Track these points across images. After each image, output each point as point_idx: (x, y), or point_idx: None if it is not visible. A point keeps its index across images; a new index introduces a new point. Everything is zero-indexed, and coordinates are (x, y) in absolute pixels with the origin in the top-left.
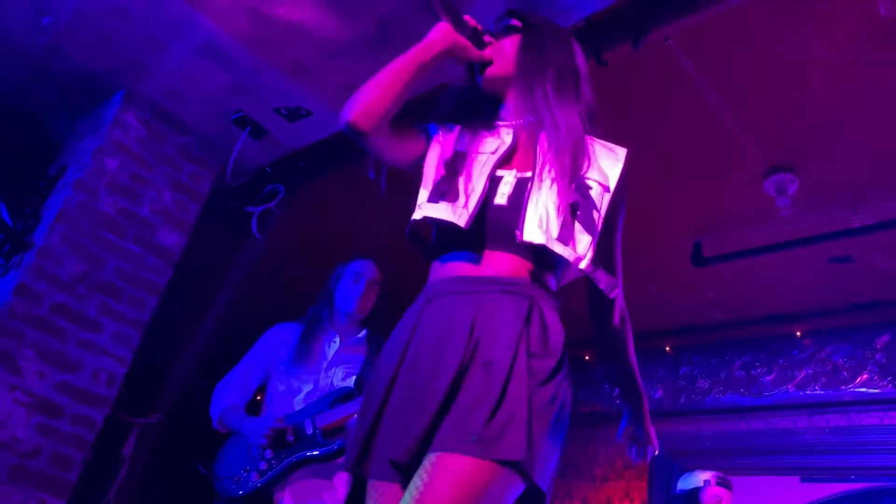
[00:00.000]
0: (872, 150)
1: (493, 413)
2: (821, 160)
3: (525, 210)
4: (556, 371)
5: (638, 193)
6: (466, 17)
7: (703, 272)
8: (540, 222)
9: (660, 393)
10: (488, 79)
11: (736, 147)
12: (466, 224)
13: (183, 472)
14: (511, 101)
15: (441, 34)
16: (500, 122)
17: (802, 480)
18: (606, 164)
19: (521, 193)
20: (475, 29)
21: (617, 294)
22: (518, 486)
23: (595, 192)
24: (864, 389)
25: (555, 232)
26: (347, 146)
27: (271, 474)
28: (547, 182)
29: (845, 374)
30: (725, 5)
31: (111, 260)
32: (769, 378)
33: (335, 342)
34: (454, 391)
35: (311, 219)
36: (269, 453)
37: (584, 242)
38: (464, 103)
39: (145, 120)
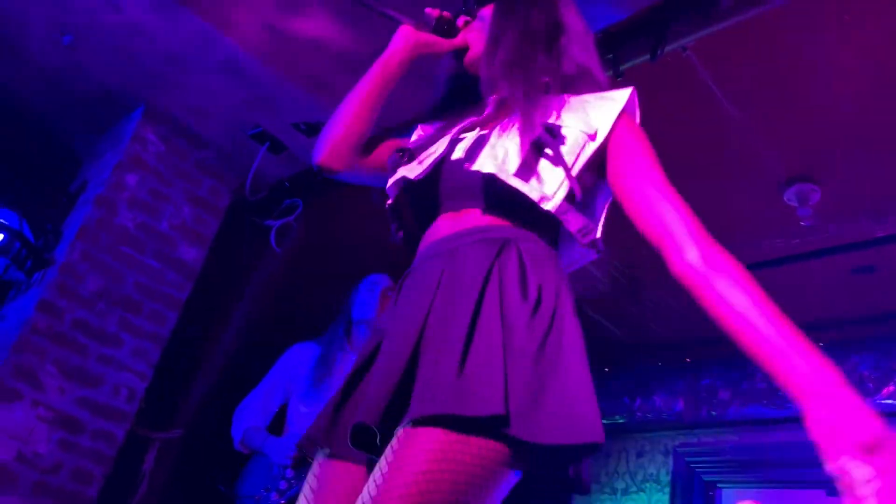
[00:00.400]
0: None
1: (460, 366)
2: (843, 169)
3: (480, 151)
4: (537, 310)
5: None
6: (428, 10)
7: None
8: (495, 157)
9: (680, 405)
10: (469, 64)
11: (756, 157)
12: (417, 176)
13: (203, 488)
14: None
15: (401, 39)
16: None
17: (828, 494)
18: (597, 114)
19: (478, 145)
20: (440, 18)
21: (593, 240)
22: (511, 454)
23: (573, 136)
24: (890, 401)
25: (512, 167)
26: None
27: (291, 493)
28: (509, 131)
29: (871, 385)
30: (745, 15)
31: (131, 275)
32: None
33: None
34: (419, 354)
35: (330, 232)
36: (289, 473)
37: (552, 182)
38: (457, 89)
39: (164, 135)
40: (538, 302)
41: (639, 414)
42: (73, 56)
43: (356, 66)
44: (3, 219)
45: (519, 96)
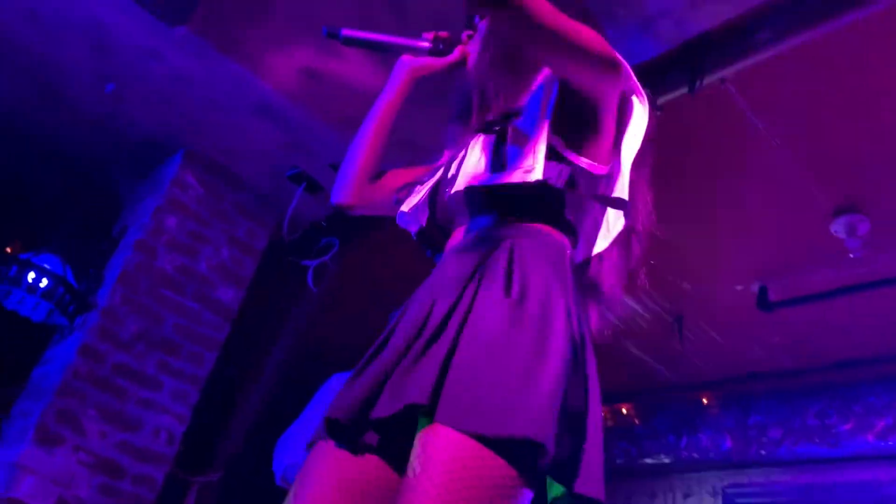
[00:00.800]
0: None
1: (415, 360)
2: (892, 198)
3: (460, 168)
4: (521, 307)
5: (698, 238)
6: (424, 34)
7: (769, 317)
8: (469, 168)
9: (728, 443)
10: (470, 74)
11: (800, 188)
12: (410, 209)
13: None
14: None
15: (397, 69)
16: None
17: None
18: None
19: (461, 162)
20: (435, 39)
21: (608, 197)
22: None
23: (533, 105)
24: None
25: (481, 168)
26: None
27: None
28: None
29: None
30: (783, 46)
31: (170, 317)
32: (846, 427)
33: None
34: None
35: (366, 271)
36: None
37: (527, 156)
38: (465, 102)
39: (203, 178)
40: (521, 299)
41: (685, 453)
42: (115, 103)
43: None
44: (48, 264)
45: (500, 92)
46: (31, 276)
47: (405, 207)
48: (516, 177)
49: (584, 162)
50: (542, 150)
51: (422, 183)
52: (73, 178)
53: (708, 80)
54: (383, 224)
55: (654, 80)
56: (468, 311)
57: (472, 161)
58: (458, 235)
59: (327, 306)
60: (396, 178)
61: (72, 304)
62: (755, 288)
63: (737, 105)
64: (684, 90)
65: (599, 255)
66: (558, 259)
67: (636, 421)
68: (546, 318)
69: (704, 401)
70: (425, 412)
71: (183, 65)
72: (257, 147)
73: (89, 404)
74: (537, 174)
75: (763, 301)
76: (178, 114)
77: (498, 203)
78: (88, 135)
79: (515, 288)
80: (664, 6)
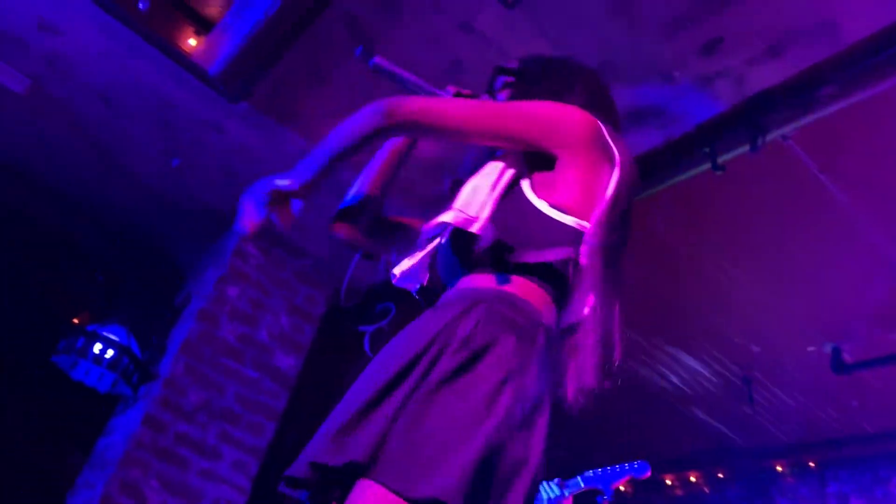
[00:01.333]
0: None
1: (360, 413)
2: None
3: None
4: (470, 363)
5: (765, 299)
6: (450, 87)
7: (845, 380)
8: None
9: None
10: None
11: (871, 244)
12: (402, 273)
13: None
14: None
15: None
16: None
17: None
18: None
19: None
20: (457, 93)
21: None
22: None
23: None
24: None
25: (446, 216)
26: None
27: None
28: None
29: None
30: (847, 102)
31: (231, 386)
32: None
33: None
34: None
35: None
36: None
37: (475, 204)
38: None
39: (264, 247)
40: (475, 362)
41: None
42: (179, 176)
43: (440, 172)
44: (114, 335)
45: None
46: (98, 347)
47: (397, 271)
48: (453, 218)
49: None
50: (485, 204)
51: (419, 248)
52: (137, 249)
53: (770, 137)
54: None
55: (715, 138)
56: (425, 372)
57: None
58: (447, 293)
59: None
60: (392, 226)
61: (135, 374)
62: (828, 349)
63: (801, 162)
64: (746, 148)
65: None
66: (530, 327)
67: (706, 489)
68: (496, 382)
69: (779, 468)
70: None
71: (244, 137)
72: (317, 215)
73: (152, 475)
74: (477, 227)
75: (837, 363)
76: (240, 185)
77: (475, 258)
78: (153, 207)
79: (471, 351)
80: (721, 66)
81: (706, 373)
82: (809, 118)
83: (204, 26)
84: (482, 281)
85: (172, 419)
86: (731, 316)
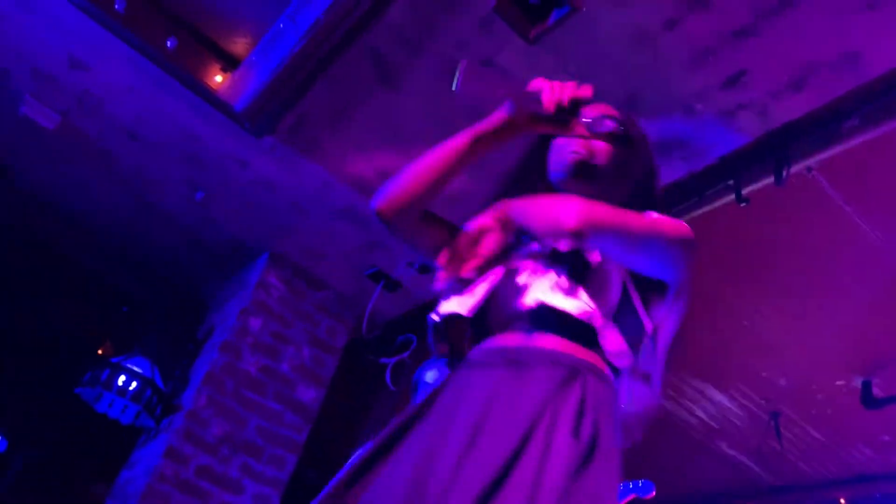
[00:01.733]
0: None
1: (487, 496)
2: None
3: (535, 280)
4: (587, 460)
5: (792, 332)
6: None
7: (876, 414)
8: (546, 282)
9: None
10: (575, 167)
11: None
12: (469, 311)
13: None
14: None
15: (506, 110)
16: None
17: None
18: None
19: (533, 274)
20: (573, 102)
21: (626, 367)
22: None
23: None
24: None
25: (561, 289)
26: None
27: None
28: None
29: None
30: (872, 134)
31: (252, 419)
32: None
33: None
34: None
35: None
36: None
37: (588, 299)
38: (532, 179)
39: (286, 279)
40: (588, 457)
41: None
42: (204, 210)
43: (466, 202)
44: (138, 367)
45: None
46: (122, 379)
47: (461, 308)
48: (596, 320)
49: (648, 321)
50: (602, 306)
51: (477, 277)
52: (161, 280)
53: (795, 168)
54: None
55: (738, 170)
56: (544, 454)
57: (547, 281)
58: (504, 337)
59: (406, 404)
60: (439, 230)
61: (158, 407)
62: (857, 383)
63: (826, 193)
64: (770, 180)
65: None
66: (615, 406)
67: None
68: (606, 471)
69: None
70: None
71: (268, 171)
72: (338, 248)
73: None
74: (595, 322)
75: (868, 397)
76: (263, 218)
77: (565, 325)
78: (177, 240)
79: (585, 434)
80: (744, 99)
81: (733, 407)
82: (834, 150)
83: (230, 63)
84: (564, 345)
85: (194, 452)
86: (758, 349)
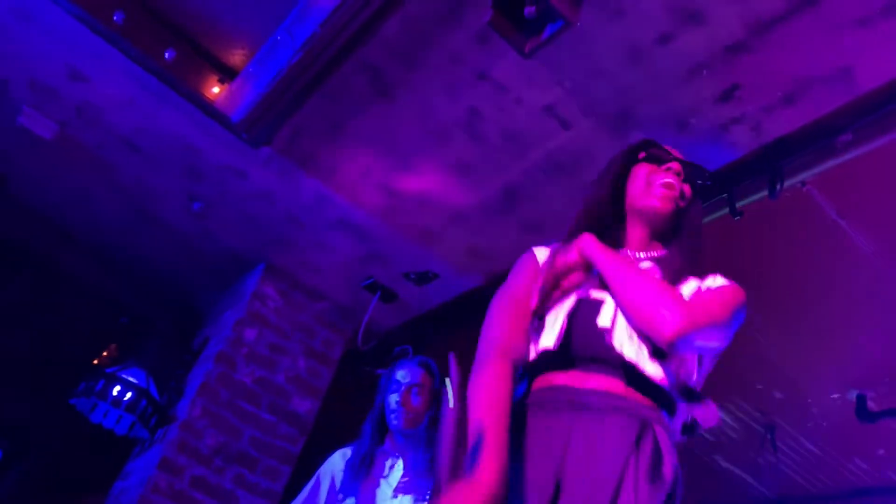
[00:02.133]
0: None
1: None
2: None
3: (614, 320)
4: (671, 499)
5: (787, 345)
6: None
7: (871, 428)
8: (630, 336)
9: None
10: (650, 210)
11: (893, 288)
12: (555, 345)
13: None
14: (650, 232)
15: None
16: (629, 249)
17: None
18: None
19: (611, 311)
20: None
21: (685, 396)
22: None
23: None
24: None
25: (646, 351)
26: (473, 307)
27: None
28: None
29: None
30: (866, 148)
31: (247, 430)
32: None
33: (397, 467)
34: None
35: None
36: None
37: (685, 370)
38: (603, 218)
39: (283, 290)
40: (671, 494)
41: None
42: (202, 221)
43: (465, 216)
44: (133, 377)
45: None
46: (117, 389)
47: (548, 342)
48: (669, 383)
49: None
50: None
51: (547, 309)
52: (157, 291)
53: (788, 183)
54: (457, 332)
55: (732, 184)
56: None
57: (612, 320)
58: (576, 377)
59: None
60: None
61: (153, 417)
62: (852, 396)
63: (820, 207)
64: (764, 193)
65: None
66: (675, 448)
67: None
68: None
69: None
70: None
71: (266, 182)
72: (335, 259)
73: None
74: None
75: (862, 410)
76: (260, 229)
77: (644, 382)
78: (173, 250)
79: (667, 480)
80: (738, 113)
81: (728, 419)
82: (827, 164)
83: (227, 74)
84: (629, 392)
85: (188, 462)
86: (754, 362)
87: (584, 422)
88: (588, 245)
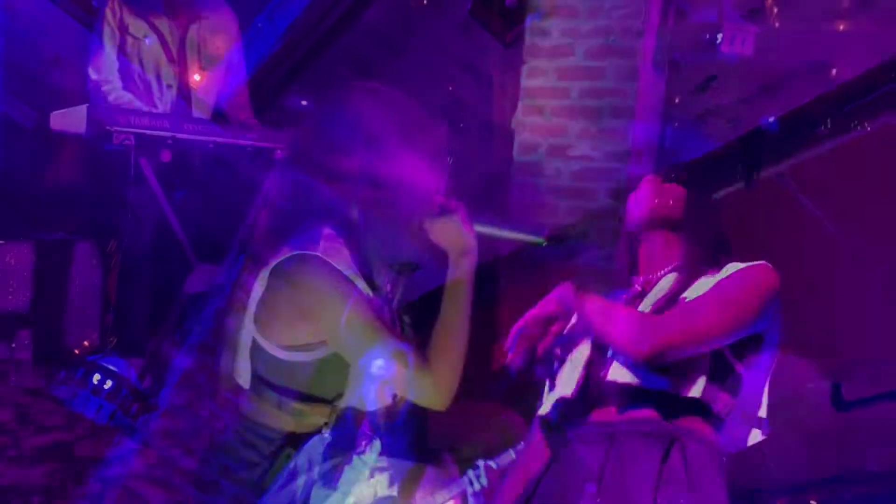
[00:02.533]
0: None
1: None
2: None
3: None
4: None
5: None
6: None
7: (847, 417)
8: (625, 363)
9: None
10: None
11: (868, 281)
12: (573, 392)
13: None
14: (658, 250)
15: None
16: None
17: None
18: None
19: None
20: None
21: (730, 413)
22: None
23: None
24: None
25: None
26: None
27: None
28: None
29: None
30: (841, 139)
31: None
32: None
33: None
34: None
35: None
36: None
37: (691, 370)
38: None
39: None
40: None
41: None
42: (184, 208)
43: None
44: (113, 365)
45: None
46: (97, 377)
47: (566, 390)
48: (677, 388)
49: (740, 366)
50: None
51: (565, 352)
52: (139, 278)
53: (765, 173)
54: None
55: (710, 174)
56: None
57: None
58: (604, 416)
59: None
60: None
61: (134, 405)
62: (828, 385)
63: (796, 198)
64: (741, 184)
65: None
66: (718, 454)
67: None
68: None
69: None
70: None
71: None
72: None
73: None
74: (696, 392)
75: (838, 399)
76: (244, 217)
77: (659, 397)
78: (158, 237)
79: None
80: (714, 104)
81: None
82: (803, 155)
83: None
84: (657, 416)
85: (171, 451)
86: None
87: (614, 451)
88: (564, 294)
